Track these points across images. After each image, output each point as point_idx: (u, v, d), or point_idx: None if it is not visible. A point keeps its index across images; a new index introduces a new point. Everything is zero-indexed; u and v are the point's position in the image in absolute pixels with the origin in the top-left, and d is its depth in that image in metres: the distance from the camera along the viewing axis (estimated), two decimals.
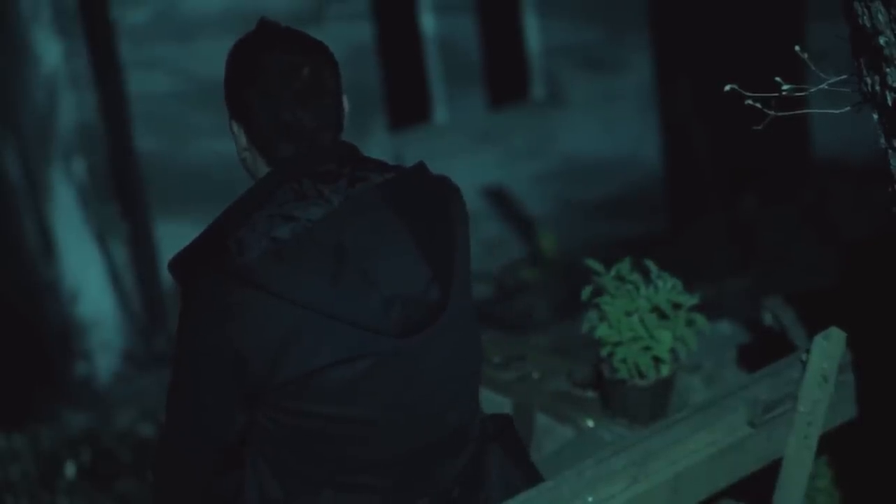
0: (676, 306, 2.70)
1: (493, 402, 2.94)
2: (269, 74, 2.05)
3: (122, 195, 7.47)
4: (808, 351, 2.37)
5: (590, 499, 2.19)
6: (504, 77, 8.33)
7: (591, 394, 2.90)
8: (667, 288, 2.70)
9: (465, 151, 8.02)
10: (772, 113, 2.11)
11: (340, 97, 2.13)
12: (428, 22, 8.06)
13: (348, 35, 7.49)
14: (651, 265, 2.73)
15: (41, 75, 7.20)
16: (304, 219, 2.01)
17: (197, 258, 2.05)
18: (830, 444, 2.69)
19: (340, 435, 2.06)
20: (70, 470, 5.04)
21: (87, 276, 7.41)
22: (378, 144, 7.61)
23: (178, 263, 2.07)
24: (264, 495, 2.12)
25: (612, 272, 2.73)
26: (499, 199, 8.25)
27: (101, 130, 7.34)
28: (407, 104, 8.04)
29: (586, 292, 2.72)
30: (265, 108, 2.06)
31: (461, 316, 2.14)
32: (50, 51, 7.15)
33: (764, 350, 3.14)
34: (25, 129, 7.39)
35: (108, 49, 7.13)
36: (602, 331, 2.70)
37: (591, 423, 2.80)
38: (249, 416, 2.07)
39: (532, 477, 2.30)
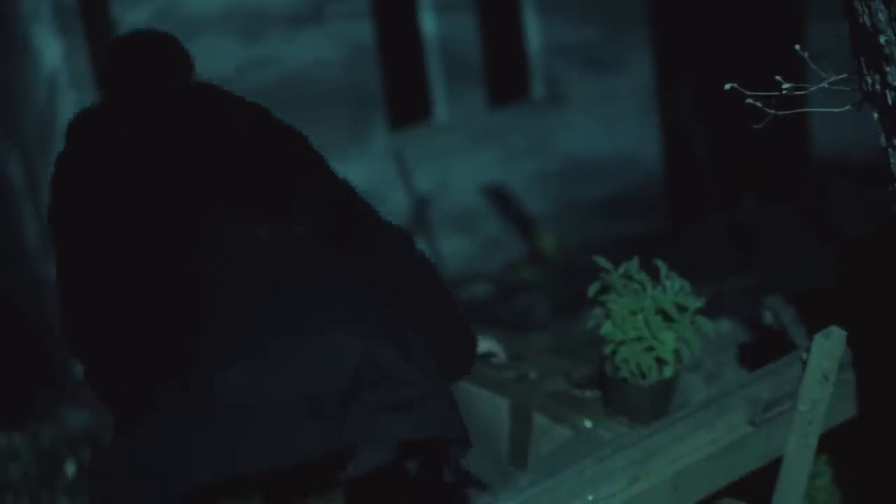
0: (682, 308, 2.69)
1: (492, 401, 2.94)
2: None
3: None
4: (808, 350, 2.37)
5: (590, 497, 2.20)
6: (504, 76, 8.33)
7: (589, 394, 2.89)
8: (674, 289, 2.69)
9: (466, 150, 8.01)
10: (772, 112, 2.11)
11: None
12: (428, 21, 8.05)
13: (348, 34, 7.48)
14: (661, 265, 2.72)
15: (42, 74, 7.20)
16: None
17: None
18: (831, 443, 2.69)
19: None
20: (70, 469, 5.03)
21: None
22: (378, 143, 7.61)
23: None
24: None
25: (621, 270, 2.72)
26: (499, 198, 8.25)
27: None
28: (407, 103, 8.03)
29: (593, 288, 2.72)
30: None
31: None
32: (50, 50, 7.15)
33: (764, 349, 3.14)
34: (26, 129, 7.39)
35: None
36: (606, 328, 2.69)
37: (588, 424, 2.79)
38: None
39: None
